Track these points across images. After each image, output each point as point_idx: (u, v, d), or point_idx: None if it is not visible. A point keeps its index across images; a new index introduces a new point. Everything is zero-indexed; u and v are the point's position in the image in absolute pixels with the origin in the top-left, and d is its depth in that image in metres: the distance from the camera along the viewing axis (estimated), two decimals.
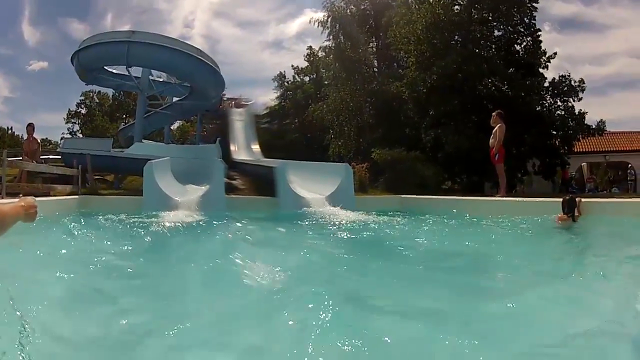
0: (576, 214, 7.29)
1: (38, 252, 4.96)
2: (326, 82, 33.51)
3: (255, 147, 27.76)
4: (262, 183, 15.08)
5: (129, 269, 4.82)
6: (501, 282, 4.37)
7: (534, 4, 22.63)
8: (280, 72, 47.17)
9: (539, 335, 2.88)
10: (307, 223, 9.22)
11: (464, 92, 21.25)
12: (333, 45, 30.14)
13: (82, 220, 8.27)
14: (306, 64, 44.45)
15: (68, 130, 63.29)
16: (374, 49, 31.12)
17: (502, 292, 3.97)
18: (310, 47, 44.09)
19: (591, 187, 28.80)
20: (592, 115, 22.78)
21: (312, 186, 13.31)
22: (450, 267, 5.20)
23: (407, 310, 3.37)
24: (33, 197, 2.55)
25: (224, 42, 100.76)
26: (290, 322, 3.02)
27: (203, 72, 22.01)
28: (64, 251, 5.49)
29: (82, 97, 62.99)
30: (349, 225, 8.79)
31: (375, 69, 30.79)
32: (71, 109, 63.68)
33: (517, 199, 11.00)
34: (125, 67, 22.12)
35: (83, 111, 63.71)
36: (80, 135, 57.84)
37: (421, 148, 21.65)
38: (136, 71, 23.39)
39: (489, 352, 2.60)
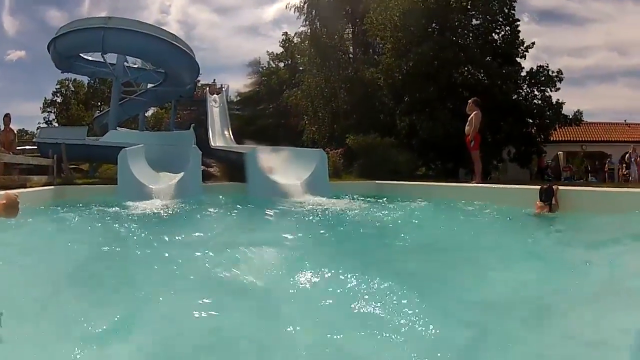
0: (553, 202, 7.29)
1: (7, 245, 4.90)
2: (301, 68, 33.42)
3: (228, 134, 27.74)
4: (238, 169, 15.02)
5: (99, 257, 4.76)
6: (462, 267, 4.37)
7: None
8: (255, 58, 46.92)
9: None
10: (280, 209, 9.20)
11: (439, 79, 21.30)
12: (309, 31, 30.02)
13: (55, 212, 8.19)
14: (281, 50, 44.27)
15: (44, 119, 62.07)
16: (350, 35, 30.90)
17: (461, 278, 3.99)
18: (286, 32, 43.91)
19: (567, 176, 29.08)
20: (570, 105, 23.16)
21: (287, 172, 13.27)
22: (416, 251, 5.23)
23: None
24: (16, 194, 2.53)
25: (199, 28, 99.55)
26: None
27: (177, 58, 21.91)
28: (34, 243, 5.41)
29: (58, 86, 61.82)
30: (325, 211, 8.79)
31: (351, 55, 30.65)
32: (47, 98, 62.51)
33: (493, 185, 11.03)
34: (100, 53, 21.96)
35: (59, 100, 62.47)
36: (56, 125, 56.90)
37: (396, 134, 21.72)
38: (111, 58, 23.23)
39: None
